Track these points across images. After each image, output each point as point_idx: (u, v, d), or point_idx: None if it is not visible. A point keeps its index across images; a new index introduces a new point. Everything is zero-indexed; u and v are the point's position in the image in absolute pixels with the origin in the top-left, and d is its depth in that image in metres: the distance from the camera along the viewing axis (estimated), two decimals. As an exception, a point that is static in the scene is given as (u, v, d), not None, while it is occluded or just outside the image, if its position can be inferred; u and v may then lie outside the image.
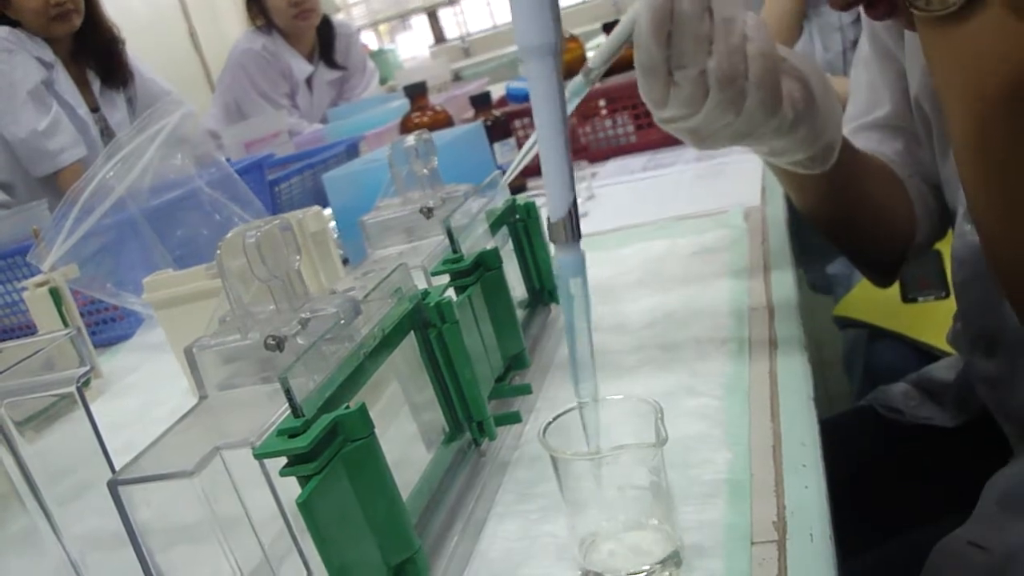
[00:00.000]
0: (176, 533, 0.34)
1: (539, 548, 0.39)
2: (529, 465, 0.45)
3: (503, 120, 1.07)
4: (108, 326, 0.93)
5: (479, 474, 0.43)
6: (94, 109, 1.80)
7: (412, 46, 4.67)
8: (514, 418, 0.46)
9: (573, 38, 1.29)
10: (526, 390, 0.49)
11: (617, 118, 1.15)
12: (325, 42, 2.27)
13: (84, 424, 0.39)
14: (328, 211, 0.73)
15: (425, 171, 0.57)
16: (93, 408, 0.38)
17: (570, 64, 1.25)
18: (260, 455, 0.30)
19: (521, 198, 0.60)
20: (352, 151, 1.23)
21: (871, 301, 1.21)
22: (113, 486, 0.32)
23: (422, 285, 0.44)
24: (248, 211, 0.89)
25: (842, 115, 0.61)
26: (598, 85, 1.15)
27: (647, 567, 0.34)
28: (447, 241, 0.49)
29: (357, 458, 0.31)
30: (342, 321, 0.36)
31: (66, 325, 0.78)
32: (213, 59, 3.52)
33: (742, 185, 0.85)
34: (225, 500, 0.32)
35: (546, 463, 0.44)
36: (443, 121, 1.10)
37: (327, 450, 0.31)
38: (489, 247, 0.49)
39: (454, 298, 0.43)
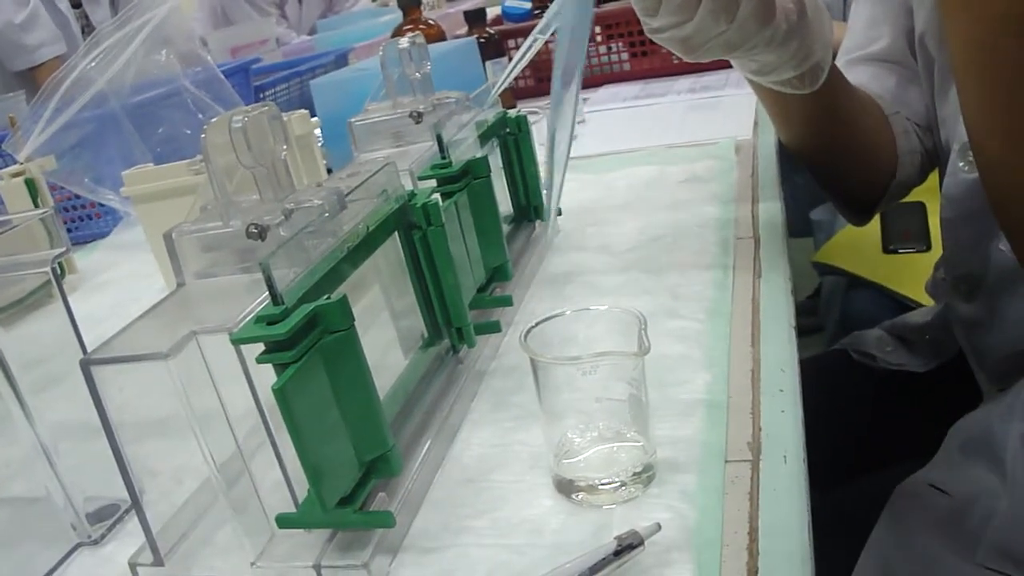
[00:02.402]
0: (149, 423, 0.34)
1: (512, 455, 0.39)
2: (506, 375, 0.45)
3: (496, 38, 1.05)
4: (85, 224, 0.92)
5: (456, 381, 0.43)
6: (76, 5, 1.75)
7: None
8: (494, 327, 0.46)
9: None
10: (507, 301, 0.48)
11: (612, 44, 1.13)
12: (316, -49, 2.22)
13: (60, 313, 0.38)
14: (315, 118, 0.72)
15: (417, 75, 0.56)
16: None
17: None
18: (237, 340, 0.30)
19: (512, 112, 0.59)
20: (341, 61, 1.21)
21: (852, 249, 1.21)
22: (86, 366, 0.31)
23: (409, 188, 0.43)
24: (233, 113, 0.87)
25: (832, 36, 0.60)
26: (595, 9, 1.13)
27: (620, 478, 0.35)
28: (436, 147, 0.48)
29: (336, 349, 0.31)
30: (326, 214, 0.36)
31: (42, 217, 0.76)
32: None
33: (734, 118, 0.84)
34: (199, 387, 0.32)
35: (523, 374, 0.44)
36: (435, 36, 1.07)
37: (305, 339, 0.30)
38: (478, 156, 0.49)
39: (441, 203, 0.42)
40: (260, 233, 0.34)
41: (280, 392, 0.29)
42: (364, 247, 0.37)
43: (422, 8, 1.11)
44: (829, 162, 0.72)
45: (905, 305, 1.07)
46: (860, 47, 0.76)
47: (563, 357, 0.35)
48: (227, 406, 0.33)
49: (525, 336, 0.36)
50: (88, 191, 0.79)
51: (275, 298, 0.30)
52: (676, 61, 1.10)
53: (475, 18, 1.05)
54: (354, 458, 0.33)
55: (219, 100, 0.85)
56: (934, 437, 0.71)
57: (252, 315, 0.31)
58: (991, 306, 0.69)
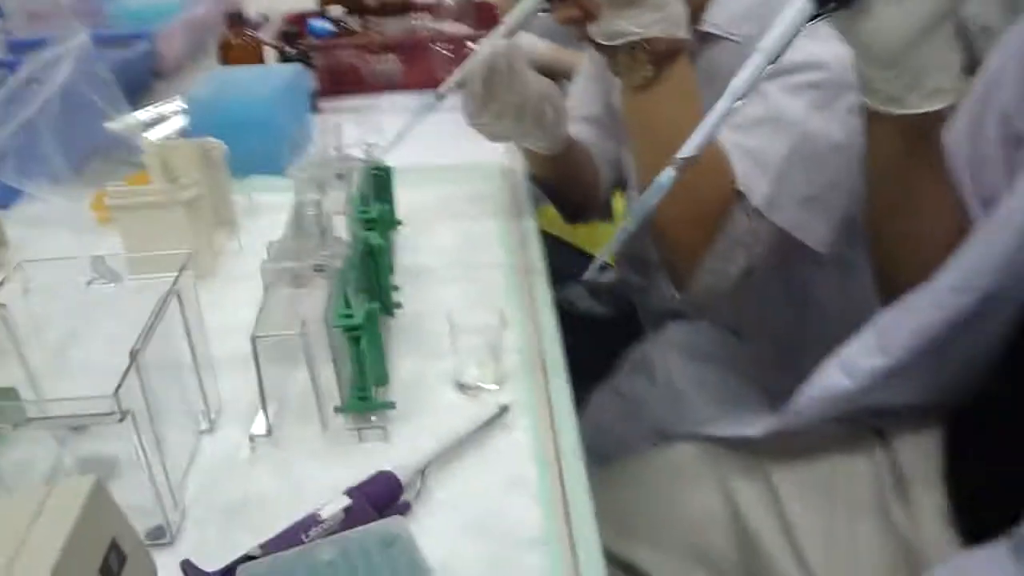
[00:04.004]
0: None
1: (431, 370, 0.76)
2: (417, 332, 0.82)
3: (310, 57, 1.35)
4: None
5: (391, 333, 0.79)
6: None
7: None
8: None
9: None
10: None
11: (388, 55, 1.46)
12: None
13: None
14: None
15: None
16: None
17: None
18: (340, 326, 0.64)
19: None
20: (150, 57, 1.43)
21: (554, 217, 1.67)
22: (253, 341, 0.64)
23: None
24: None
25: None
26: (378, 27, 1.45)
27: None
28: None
29: (372, 327, 0.66)
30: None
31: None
32: None
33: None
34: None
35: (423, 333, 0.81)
36: (255, 51, 1.35)
37: (364, 323, 0.65)
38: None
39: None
40: (322, 269, 0.68)
41: (356, 343, 0.64)
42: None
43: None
44: (559, 186, 1.14)
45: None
46: (578, 108, 1.18)
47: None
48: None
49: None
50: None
51: (348, 304, 0.65)
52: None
53: (289, 37, 1.34)
54: (380, 375, 0.69)
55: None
56: (609, 362, 1.17)
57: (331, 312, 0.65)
58: (647, 279, 1.16)
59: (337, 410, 0.68)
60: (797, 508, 0.81)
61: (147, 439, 0.55)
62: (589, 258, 1.55)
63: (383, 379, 0.69)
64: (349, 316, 0.64)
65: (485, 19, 1.56)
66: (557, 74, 1.67)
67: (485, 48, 0.86)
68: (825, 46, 0.86)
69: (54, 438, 0.62)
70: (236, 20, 1.33)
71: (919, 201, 0.72)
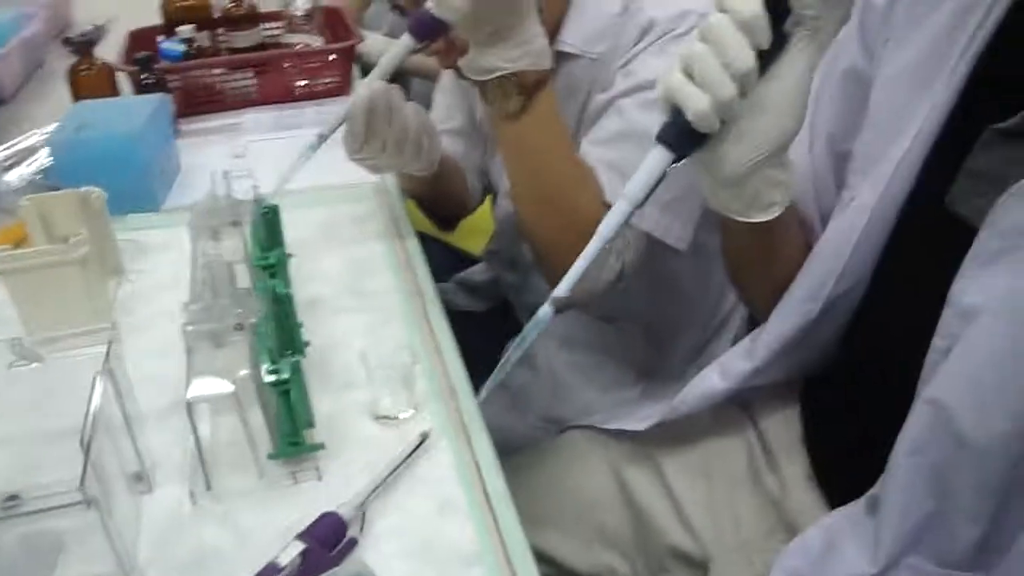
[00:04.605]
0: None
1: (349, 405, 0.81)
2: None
3: (162, 79, 1.34)
4: None
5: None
6: None
7: None
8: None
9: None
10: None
11: (244, 72, 1.47)
12: None
13: None
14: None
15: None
16: None
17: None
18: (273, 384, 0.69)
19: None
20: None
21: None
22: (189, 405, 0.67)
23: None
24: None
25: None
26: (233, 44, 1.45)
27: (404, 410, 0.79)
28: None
29: (297, 377, 0.71)
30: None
31: None
32: None
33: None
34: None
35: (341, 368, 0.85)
36: (107, 78, 1.33)
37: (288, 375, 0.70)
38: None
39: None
40: (241, 328, 0.72)
41: (286, 396, 0.69)
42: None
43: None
44: (431, 202, 1.20)
45: (464, 258, 1.60)
46: (443, 121, 1.24)
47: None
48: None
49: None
50: None
51: (273, 360, 0.70)
52: (297, 90, 1.48)
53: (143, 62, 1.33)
54: (307, 419, 0.73)
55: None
56: (495, 355, 1.24)
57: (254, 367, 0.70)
58: (526, 277, 1.24)
59: (271, 456, 0.72)
60: (681, 485, 0.92)
61: (104, 515, 0.59)
62: (458, 253, 1.62)
63: (310, 422, 0.74)
64: (276, 371, 0.69)
65: (333, 26, 1.59)
66: (410, 73, 1.72)
67: (364, 89, 0.91)
68: (670, 63, 0.95)
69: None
70: (84, 47, 1.31)
71: (772, 260, 0.83)
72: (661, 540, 0.92)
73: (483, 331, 1.35)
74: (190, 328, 0.72)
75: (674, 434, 0.92)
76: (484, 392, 0.74)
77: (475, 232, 1.51)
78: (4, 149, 1.21)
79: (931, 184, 0.72)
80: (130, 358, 0.81)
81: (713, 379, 0.87)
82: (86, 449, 0.57)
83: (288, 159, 0.98)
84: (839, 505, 0.78)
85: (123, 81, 1.39)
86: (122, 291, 0.99)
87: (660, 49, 0.96)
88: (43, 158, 1.19)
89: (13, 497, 0.64)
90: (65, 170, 1.11)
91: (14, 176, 1.17)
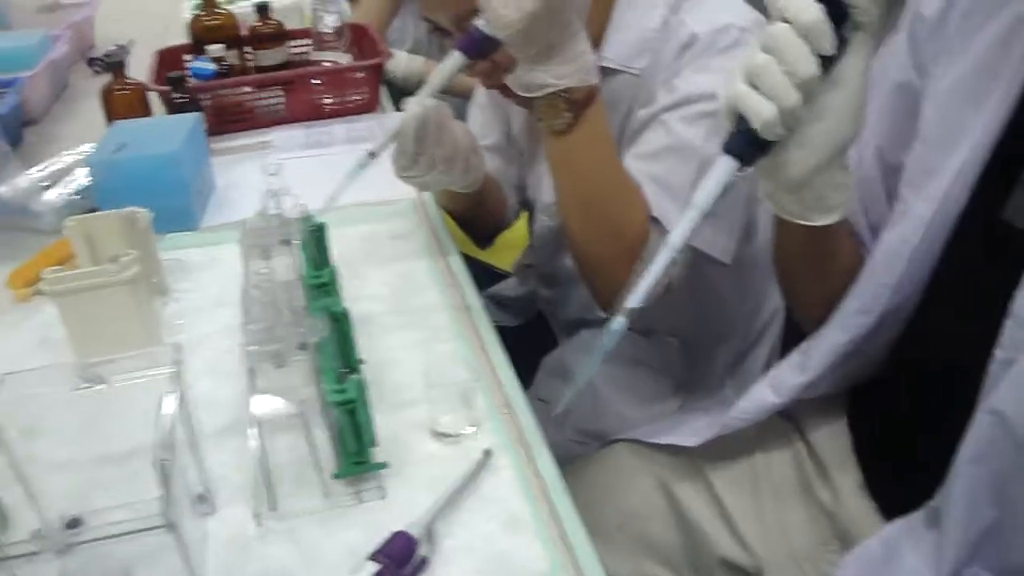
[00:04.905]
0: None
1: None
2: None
3: (195, 98, 1.35)
4: None
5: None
6: None
7: None
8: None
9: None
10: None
11: (273, 90, 1.47)
12: None
13: None
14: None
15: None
16: None
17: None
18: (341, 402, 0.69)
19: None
20: (19, 107, 1.39)
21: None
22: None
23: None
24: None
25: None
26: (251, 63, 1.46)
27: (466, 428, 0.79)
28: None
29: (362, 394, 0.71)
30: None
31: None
32: None
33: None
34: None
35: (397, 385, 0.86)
36: (142, 102, 1.34)
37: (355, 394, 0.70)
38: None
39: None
40: (305, 348, 0.72)
41: (351, 415, 0.69)
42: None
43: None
44: (471, 218, 1.20)
45: (494, 272, 1.61)
46: (479, 138, 1.24)
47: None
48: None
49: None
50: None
51: (338, 379, 0.70)
52: (326, 108, 1.49)
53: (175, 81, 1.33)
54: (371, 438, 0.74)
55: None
56: (530, 370, 1.25)
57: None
58: (560, 293, 1.24)
59: (336, 476, 0.72)
60: (730, 497, 0.92)
61: (181, 539, 0.59)
62: (486, 268, 1.63)
63: (373, 441, 0.74)
64: (342, 391, 0.69)
65: (360, 42, 1.60)
66: (454, 92, 1.73)
67: (414, 107, 0.91)
68: (714, 77, 0.96)
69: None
70: (116, 67, 1.31)
71: (827, 267, 0.83)
72: (711, 551, 0.92)
73: (517, 346, 1.35)
74: (252, 348, 0.72)
75: (720, 447, 0.93)
76: (561, 406, 0.74)
77: (504, 247, 1.51)
78: (39, 170, 1.21)
79: (988, 197, 0.73)
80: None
81: (766, 393, 0.87)
82: (164, 472, 0.57)
83: (321, 176, 0.98)
84: (893, 515, 0.78)
85: (154, 100, 1.40)
86: (168, 311, 0.99)
87: (704, 64, 0.97)
88: (80, 178, 1.19)
89: (75, 521, 0.64)
90: (105, 190, 1.12)
91: (51, 196, 1.17)
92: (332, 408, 0.69)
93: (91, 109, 1.43)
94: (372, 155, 0.93)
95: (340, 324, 0.79)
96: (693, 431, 0.94)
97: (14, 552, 0.58)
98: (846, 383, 0.88)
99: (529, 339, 1.34)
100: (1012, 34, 0.72)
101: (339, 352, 0.77)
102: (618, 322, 0.69)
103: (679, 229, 0.68)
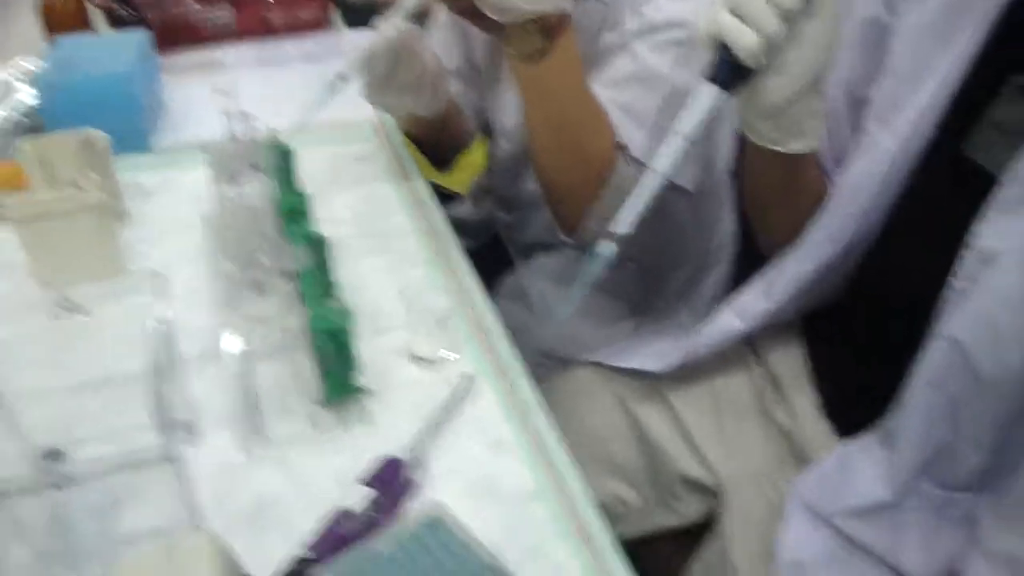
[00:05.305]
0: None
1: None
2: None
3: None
4: None
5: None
6: None
7: None
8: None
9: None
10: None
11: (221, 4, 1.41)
12: None
13: None
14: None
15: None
16: None
17: None
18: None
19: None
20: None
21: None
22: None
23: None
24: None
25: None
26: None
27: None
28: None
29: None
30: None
31: None
32: None
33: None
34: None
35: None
36: (82, 15, 1.27)
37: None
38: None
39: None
40: (288, 274, 0.72)
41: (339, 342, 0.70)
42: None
43: None
44: (431, 141, 1.19)
45: (444, 192, 1.59)
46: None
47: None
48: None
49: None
50: None
51: (324, 307, 0.70)
52: (276, 24, 1.44)
53: None
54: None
55: None
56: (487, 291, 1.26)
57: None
58: (518, 217, 1.25)
59: (326, 401, 0.73)
60: (691, 418, 0.96)
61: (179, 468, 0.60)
62: (439, 190, 1.62)
63: (357, 367, 0.75)
64: (328, 320, 0.70)
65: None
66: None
67: (387, 30, 0.90)
68: (683, 5, 0.96)
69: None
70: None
71: (797, 194, 0.85)
72: (672, 469, 0.96)
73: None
74: (232, 276, 0.72)
75: (680, 369, 0.96)
76: (552, 327, 0.76)
77: (455, 169, 1.50)
78: (-23, 82, 1.16)
79: (951, 133, 0.76)
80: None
81: (731, 320, 0.90)
82: (159, 402, 0.57)
83: (278, 96, 0.96)
84: (848, 435, 0.83)
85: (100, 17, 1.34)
86: (128, 236, 0.97)
87: (673, -10, 0.97)
88: (24, 96, 1.14)
89: (55, 453, 0.64)
90: (54, 112, 1.08)
91: (-10, 111, 1.12)
92: (319, 335, 0.70)
93: (17, 16, 1.36)
94: (343, 79, 0.92)
95: (319, 251, 0.78)
96: (657, 355, 0.97)
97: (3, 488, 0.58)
98: (807, 309, 0.92)
99: (484, 261, 1.34)
100: None
101: (319, 279, 0.77)
102: (607, 247, 0.70)
103: (665, 156, 0.69)
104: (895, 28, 0.81)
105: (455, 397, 0.75)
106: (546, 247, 1.26)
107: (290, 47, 1.40)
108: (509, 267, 1.32)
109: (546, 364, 1.20)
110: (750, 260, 1.27)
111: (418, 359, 0.81)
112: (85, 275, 0.89)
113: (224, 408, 0.75)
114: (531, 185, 1.18)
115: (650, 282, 1.24)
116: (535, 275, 1.26)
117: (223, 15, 1.40)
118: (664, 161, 0.69)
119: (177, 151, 1.12)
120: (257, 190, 0.85)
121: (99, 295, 0.70)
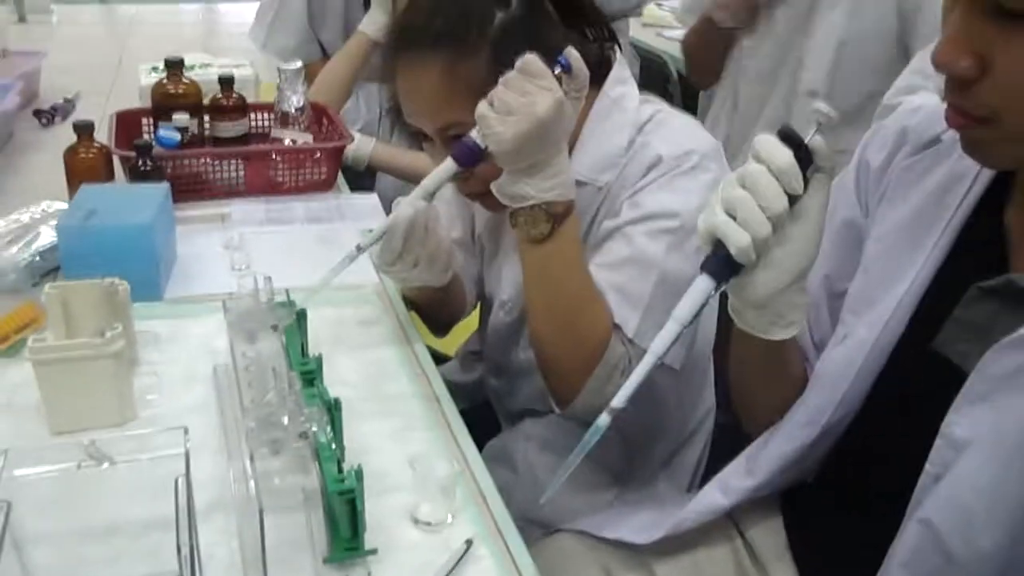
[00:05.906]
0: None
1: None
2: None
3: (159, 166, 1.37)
4: None
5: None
6: None
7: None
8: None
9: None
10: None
11: (230, 162, 1.50)
12: None
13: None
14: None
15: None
16: None
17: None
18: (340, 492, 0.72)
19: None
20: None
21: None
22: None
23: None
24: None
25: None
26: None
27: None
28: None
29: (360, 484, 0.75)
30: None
31: None
32: None
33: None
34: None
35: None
36: (106, 166, 1.35)
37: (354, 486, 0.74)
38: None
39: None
40: (306, 436, 0.75)
41: (351, 504, 0.73)
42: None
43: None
44: (433, 308, 1.25)
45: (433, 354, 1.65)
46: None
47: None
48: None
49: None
50: None
51: (341, 471, 0.73)
52: (284, 184, 1.53)
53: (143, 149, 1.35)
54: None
55: None
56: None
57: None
58: (509, 384, 1.30)
59: (326, 561, 0.76)
60: (674, 589, 0.98)
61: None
62: (436, 353, 1.67)
63: (364, 528, 0.78)
64: (342, 481, 0.73)
65: (321, 121, 1.65)
66: (393, 173, 1.78)
67: (406, 208, 0.97)
68: (676, 197, 1.05)
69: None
70: (84, 131, 1.33)
71: (779, 378, 0.92)
72: (655, 639, 0.97)
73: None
74: (253, 434, 0.75)
75: (663, 540, 0.99)
76: (545, 498, 0.79)
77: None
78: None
79: (922, 329, 0.83)
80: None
81: (716, 496, 0.95)
82: (191, 555, 0.60)
83: (286, 253, 1.01)
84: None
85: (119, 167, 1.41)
86: (140, 383, 1.00)
87: (667, 183, 1.06)
88: (44, 238, 1.19)
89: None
90: (73, 256, 1.13)
91: (12, 253, 1.17)
92: (332, 496, 0.73)
93: (40, 162, 1.44)
94: (360, 249, 0.98)
95: (332, 413, 0.82)
96: (641, 527, 1.01)
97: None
98: (787, 486, 0.96)
99: (471, 424, 1.38)
100: (945, 190, 0.84)
101: (332, 440, 0.81)
102: (603, 419, 0.76)
103: (662, 339, 0.76)
104: (870, 231, 0.90)
105: (456, 562, 0.78)
106: (533, 413, 1.30)
107: (298, 206, 1.48)
108: (495, 429, 1.36)
109: (527, 529, 1.22)
110: (727, 434, 1.32)
111: (420, 523, 0.84)
112: (97, 421, 0.92)
113: (229, 559, 0.77)
114: (523, 354, 1.24)
115: (633, 453, 1.28)
116: (521, 440, 1.30)
117: (235, 173, 1.48)
118: (662, 343, 0.76)
119: (187, 301, 1.17)
120: (273, 349, 0.90)
121: (110, 441, 0.73)
